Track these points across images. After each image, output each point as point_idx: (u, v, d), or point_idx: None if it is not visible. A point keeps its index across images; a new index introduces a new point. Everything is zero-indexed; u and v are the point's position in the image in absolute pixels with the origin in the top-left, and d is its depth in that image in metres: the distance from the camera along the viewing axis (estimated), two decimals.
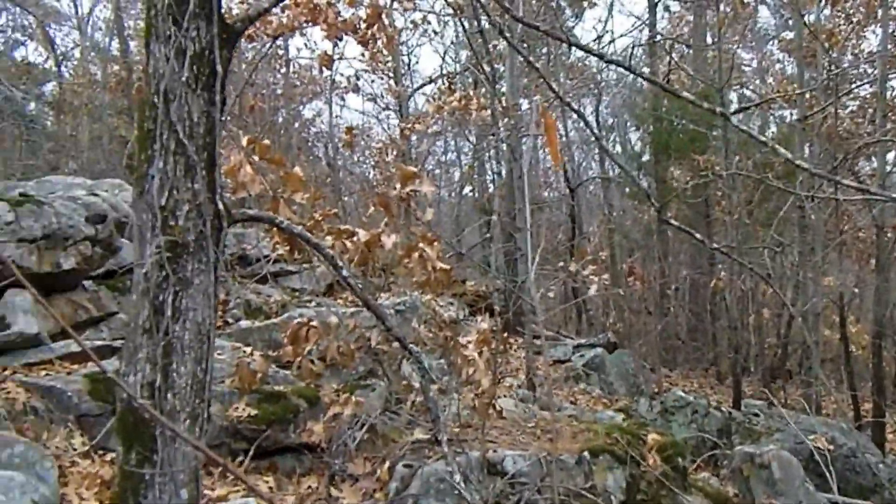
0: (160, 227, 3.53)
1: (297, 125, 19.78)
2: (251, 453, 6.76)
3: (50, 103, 20.22)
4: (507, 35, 6.86)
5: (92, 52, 20.25)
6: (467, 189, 25.38)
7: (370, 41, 9.52)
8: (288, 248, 5.84)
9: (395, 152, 18.26)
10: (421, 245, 6.17)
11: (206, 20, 3.59)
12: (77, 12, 21.82)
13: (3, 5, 25.54)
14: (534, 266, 6.66)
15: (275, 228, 4.67)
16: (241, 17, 3.80)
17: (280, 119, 18.40)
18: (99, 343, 7.62)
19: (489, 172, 22.94)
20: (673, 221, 7.08)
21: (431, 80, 20.89)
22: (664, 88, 6.51)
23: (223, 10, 3.71)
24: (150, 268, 3.56)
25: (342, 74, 16.92)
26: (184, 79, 3.52)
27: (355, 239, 6.06)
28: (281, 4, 4.12)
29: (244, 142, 5.41)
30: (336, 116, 22.26)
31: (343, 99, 19.95)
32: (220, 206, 3.66)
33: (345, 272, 4.02)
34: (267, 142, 5.53)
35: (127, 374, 3.70)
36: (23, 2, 23.08)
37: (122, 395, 3.77)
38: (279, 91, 18.31)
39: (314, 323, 7.14)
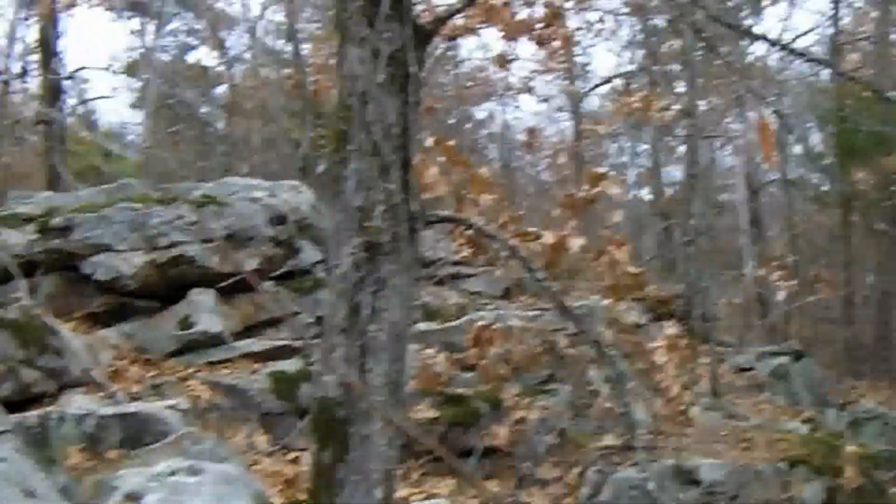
0: (356, 228, 3.62)
1: (468, 126, 19.91)
2: (430, 456, 6.85)
3: (222, 106, 20.77)
4: (698, 33, 6.80)
5: (263, 55, 20.71)
6: (644, 191, 25.14)
7: (547, 41, 9.54)
8: (471, 250, 5.92)
9: (569, 154, 18.22)
10: (610, 248, 6.16)
11: (398, 21, 3.67)
12: (248, 16, 22.32)
13: (175, 10, 26.40)
14: (714, 271, 6.60)
15: (457, 231, 4.75)
16: (434, 17, 3.88)
17: (452, 120, 18.52)
18: (279, 343, 7.83)
19: (666, 175, 22.68)
20: None
21: (607, 81, 20.74)
22: (866, 85, 6.37)
23: (415, 12, 3.79)
24: (348, 268, 3.65)
25: (515, 75, 16.93)
26: (379, 80, 3.61)
27: (541, 241, 6.08)
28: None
29: (430, 142, 5.50)
30: (509, 118, 22.32)
31: (516, 100, 19.96)
32: (415, 208, 3.73)
33: (539, 275, 4.05)
34: (452, 143, 5.61)
35: (322, 373, 3.80)
36: (195, 6, 23.80)
37: (317, 394, 3.87)
38: (450, 92, 18.42)
39: (497, 326, 7.21)
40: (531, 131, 15.41)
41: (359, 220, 3.64)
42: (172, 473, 4.03)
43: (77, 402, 6.17)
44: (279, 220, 8.14)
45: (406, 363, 3.91)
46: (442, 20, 3.94)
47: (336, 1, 3.74)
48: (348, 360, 3.72)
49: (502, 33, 9.59)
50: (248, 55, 21.46)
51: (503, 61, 11.75)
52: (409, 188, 3.71)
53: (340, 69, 3.71)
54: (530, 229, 6.35)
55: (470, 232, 6.11)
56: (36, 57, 12.20)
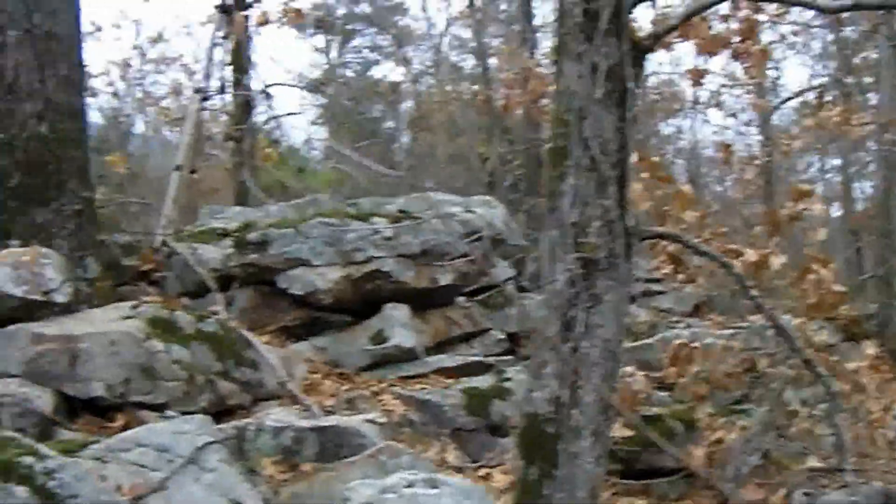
0: (572, 244, 3.67)
1: (654, 141, 19.77)
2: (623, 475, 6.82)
3: (407, 121, 21.08)
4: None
5: (448, 71, 20.98)
6: (834, 208, 24.51)
7: (742, 55, 9.44)
8: (672, 266, 5.91)
9: (758, 169, 17.89)
10: (814, 266, 6.08)
11: (616, 37, 3.71)
12: (432, 31, 22.65)
13: (359, 27, 26.94)
14: None
15: (658, 247, 4.75)
16: (650, 33, 3.91)
17: (639, 136, 18.41)
18: (472, 359, 7.90)
19: (858, 190, 22.06)
20: None
21: (799, 94, 20.31)
22: None
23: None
24: (562, 284, 3.70)
25: (705, 89, 16.71)
26: (596, 96, 3.65)
27: (743, 259, 6.03)
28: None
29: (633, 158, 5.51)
30: (697, 133, 22.05)
31: (704, 114, 19.69)
32: (631, 224, 3.76)
33: (753, 292, 4.04)
34: (656, 158, 5.62)
35: (533, 388, 3.86)
36: (380, 22, 24.27)
37: (525, 410, 3.93)
38: (637, 107, 18.27)
39: (695, 344, 7.16)
40: (726, 147, 15.16)
41: (574, 236, 3.68)
42: (410, 485, 4.08)
43: (273, 415, 6.30)
44: (474, 235, 8.22)
45: (616, 381, 3.93)
46: (659, 36, 3.97)
47: (555, 17, 3.79)
48: (559, 376, 3.77)
49: (698, 48, 9.52)
50: (433, 70, 21.78)
51: (698, 75, 11.62)
52: (625, 204, 3.74)
53: (557, 85, 3.77)
54: (732, 246, 6.31)
55: (671, 249, 6.11)
56: (227, 74, 12.55)
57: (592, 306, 3.72)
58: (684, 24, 4.46)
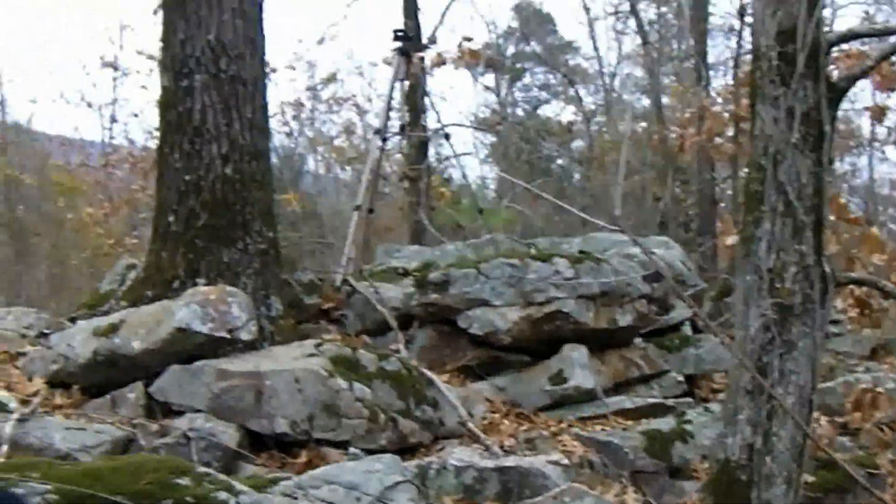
0: (767, 290, 3.65)
1: (829, 179, 19.38)
2: None
3: (579, 160, 21.12)
4: None
5: (621, 110, 20.95)
6: None
7: None
8: (859, 311, 5.80)
9: None
10: None
11: (812, 80, 3.68)
12: (603, 70, 22.68)
13: (529, 65, 27.11)
14: None
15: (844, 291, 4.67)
16: (846, 75, 3.87)
17: None
18: (651, 400, 7.84)
19: None
20: None
21: None
22: None
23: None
24: (756, 330, 3.67)
25: (884, 126, 16.37)
26: (792, 140, 3.63)
27: None
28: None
29: None
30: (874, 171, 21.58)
31: (883, 152, 19.28)
32: (826, 269, 3.72)
33: None
34: (842, 200, 5.54)
35: (725, 434, 3.83)
36: (551, 61, 24.38)
37: (719, 456, 3.90)
38: None
39: (879, 389, 7.01)
40: None
41: (770, 281, 3.66)
42: None
43: (455, 454, 6.35)
44: (654, 276, 8.17)
45: (809, 428, 3.88)
46: (855, 77, 3.92)
47: (751, 61, 3.79)
48: (753, 423, 3.74)
49: (877, 84, 9.35)
50: (604, 109, 21.79)
51: (879, 113, 11.39)
52: (821, 250, 3.71)
53: (752, 129, 3.76)
54: None
55: (859, 293, 6.01)
56: (403, 115, 12.78)
57: (787, 352, 3.69)
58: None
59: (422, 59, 12.73)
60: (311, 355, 6.46)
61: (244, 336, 6.44)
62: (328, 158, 21.13)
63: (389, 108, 9.47)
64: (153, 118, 21.89)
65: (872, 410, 6.95)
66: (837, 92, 3.77)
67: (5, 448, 5.48)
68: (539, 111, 28.32)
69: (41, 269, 18.69)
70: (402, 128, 10.50)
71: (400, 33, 9.58)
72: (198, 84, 7.44)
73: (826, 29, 3.98)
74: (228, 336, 6.34)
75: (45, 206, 21.06)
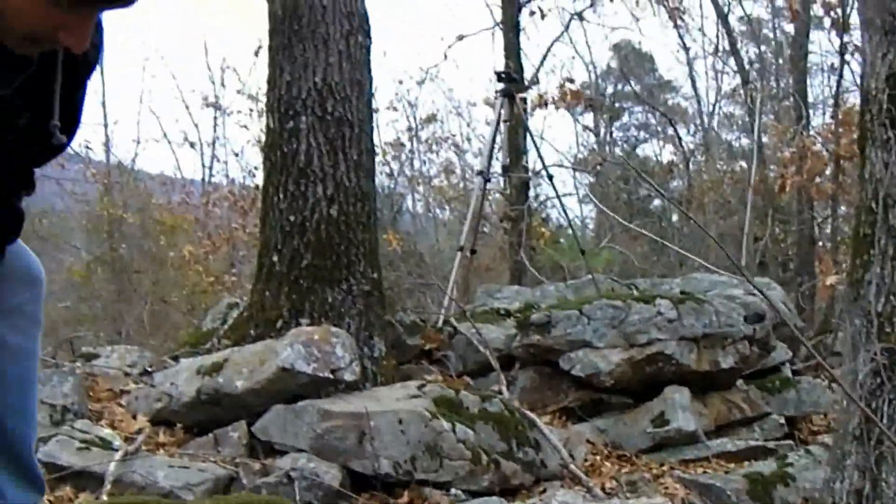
0: (876, 334, 3.63)
1: None
2: None
3: (678, 200, 21.03)
4: None
5: (720, 149, 20.87)
6: None
7: None
8: None
9: None
10: None
11: None
12: (703, 109, 22.61)
13: (627, 104, 27.11)
14: None
15: None
16: None
17: None
18: (753, 443, 7.78)
19: None
20: None
21: None
22: None
23: None
24: (864, 375, 3.66)
25: None
26: None
27: None
28: None
29: None
30: None
31: None
32: None
33: None
34: None
35: (833, 479, 3.82)
36: (650, 101, 24.34)
37: (826, 501, 3.89)
38: None
39: None
40: None
41: (879, 325, 3.64)
42: None
43: (558, 496, 6.36)
44: (757, 318, 8.13)
45: None
46: None
47: (860, 104, 3.79)
48: (862, 468, 3.72)
49: None
50: (703, 149, 21.70)
51: None
52: None
53: (862, 172, 3.76)
54: None
55: None
56: (504, 156, 12.87)
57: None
58: None
59: (524, 100, 12.81)
60: (414, 396, 6.54)
61: (347, 376, 6.52)
62: (427, 198, 21.30)
63: (492, 150, 9.54)
64: (253, 157, 22.31)
65: None
66: None
67: (109, 486, 5.62)
68: (638, 150, 28.32)
69: (142, 307, 18.99)
70: (505, 169, 10.57)
71: (503, 75, 9.68)
72: (304, 126, 7.57)
73: None
74: (332, 376, 6.42)
75: (146, 245, 21.43)
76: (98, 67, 2.65)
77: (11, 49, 2.24)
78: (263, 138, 8.36)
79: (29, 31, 2.16)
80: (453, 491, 6.14)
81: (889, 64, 3.71)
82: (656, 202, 23.10)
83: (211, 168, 24.54)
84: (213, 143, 24.48)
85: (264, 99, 8.34)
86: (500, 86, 9.55)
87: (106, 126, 23.37)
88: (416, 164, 21.77)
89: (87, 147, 22.45)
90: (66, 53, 2.37)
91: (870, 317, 3.63)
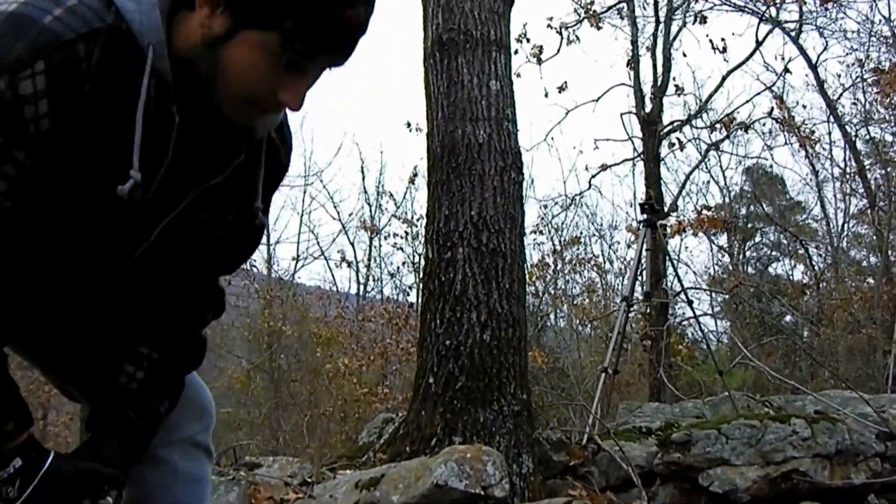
0: None
1: None
2: None
3: (810, 318, 20.84)
4: None
5: (849, 266, 20.69)
6: None
7: None
8: None
9: None
10: None
11: None
12: (831, 230, 22.49)
13: (759, 225, 27.02)
14: None
15: None
16: None
17: None
18: None
19: None
20: None
21: None
22: None
23: None
24: None
25: None
26: None
27: None
28: None
29: None
30: None
31: None
32: None
33: None
34: None
35: None
36: (781, 222, 24.25)
37: None
38: None
39: None
40: None
41: None
42: None
43: None
44: (888, 435, 8.10)
45: None
46: None
47: None
48: None
49: None
50: (832, 267, 21.52)
51: None
52: None
53: None
54: None
55: None
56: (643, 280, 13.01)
57: None
58: None
59: (664, 227, 13.01)
60: None
61: (498, 493, 6.60)
62: (571, 315, 21.44)
63: (636, 276, 9.72)
64: (407, 276, 22.82)
65: None
66: None
67: None
68: (770, 269, 28.15)
69: (299, 415, 19.38)
70: (647, 295, 10.70)
71: (646, 206, 9.85)
72: (460, 256, 7.83)
73: None
74: (483, 493, 6.51)
75: (303, 356, 21.89)
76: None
77: (231, 124, 2.33)
78: (420, 262, 8.66)
79: (248, 91, 2.22)
80: None
81: None
82: (787, 318, 22.90)
83: (366, 285, 25.08)
84: (369, 261, 25.05)
85: (418, 223, 8.65)
86: (643, 216, 9.73)
87: (269, 245, 24.16)
88: (560, 283, 22.03)
89: (252, 264, 23.26)
90: (268, 153, 2.50)
91: None
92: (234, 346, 23.70)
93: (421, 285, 8.38)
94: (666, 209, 16.98)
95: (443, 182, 8.15)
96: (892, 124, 20.72)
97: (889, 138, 21.69)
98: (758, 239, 28.31)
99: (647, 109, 17.12)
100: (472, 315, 7.73)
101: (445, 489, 6.43)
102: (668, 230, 14.69)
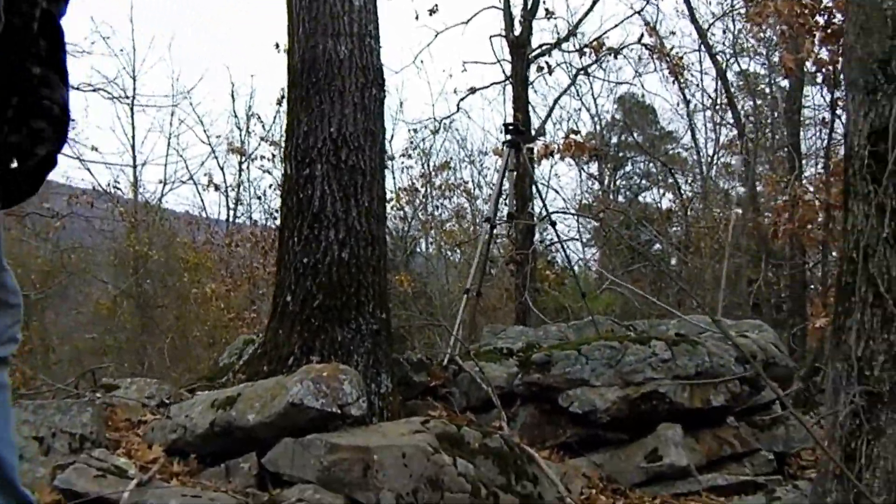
0: (856, 377, 3.63)
1: None
2: None
3: (677, 246, 21.06)
4: None
5: (716, 197, 20.92)
6: None
7: None
8: None
9: None
10: None
11: None
12: (701, 159, 22.70)
13: (630, 154, 27.21)
14: None
15: None
16: None
17: None
18: (743, 478, 7.76)
19: None
20: None
21: None
22: None
23: None
24: (844, 416, 3.65)
25: None
26: (883, 235, 3.62)
27: None
28: None
29: None
30: None
31: None
32: None
33: None
34: None
35: None
36: (652, 152, 24.42)
37: None
38: None
39: None
40: None
41: (859, 369, 3.64)
42: None
43: None
44: (747, 359, 8.12)
45: None
46: None
47: (843, 159, 3.80)
48: None
49: None
50: (701, 196, 21.76)
51: None
52: None
53: (845, 224, 3.76)
54: None
55: None
56: (508, 203, 12.89)
57: (875, 439, 3.64)
58: None
59: (531, 150, 12.86)
60: (418, 431, 6.51)
61: (354, 412, 6.49)
62: (439, 241, 21.37)
63: (499, 198, 9.54)
64: (275, 200, 22.42)
65: None
66: None
67: None
68: (640, 198, 28.42)
69: (164, 340, 19.02)
70: (511, 216, 10.56)
71: (511, 126, 9.67)
72: (318, 173, 7.61)
73: None
74: (339, 412, 6.40)
75: (170, 281, 21.51)
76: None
77: None
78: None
79: None
80: None
81: (870, 122, 3.72)
82: (656, 247, 23.14)
83: (235, 210, 24.66)
84: (238, 186, 24.60)
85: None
86: (507, 137, 9.55)
87: (135, 167, 23.51)
88: (430, 208, 21.91)
89: (116, 187, 22.62)
90: None
91: (850, 361, 3.62)
92: (99, 271, 23.17)
93: (280, 204, 8.07)
94: (534, 133, 16.84)
95: (302, 98, 7.89)
96: (763, 56, 20.92)
97: (760, 70, 21.94)
98: (629, 168, 28.56)
99: (517, 33, 16.89)
100: (331, 233, 7.52)
101: (301, 408, 6.29)
102: (535, 153, 14.55)
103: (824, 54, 10.62)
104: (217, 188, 24.42)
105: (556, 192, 23.29)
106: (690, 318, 9.59)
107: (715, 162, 22.65)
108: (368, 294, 7.54)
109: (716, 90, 21.36)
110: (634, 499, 7.37)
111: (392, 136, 22.35)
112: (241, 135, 24.68)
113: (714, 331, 8.47)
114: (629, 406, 7.70)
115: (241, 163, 24.43)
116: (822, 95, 19.19)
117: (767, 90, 21.75)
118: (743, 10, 19.16)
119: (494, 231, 9.77)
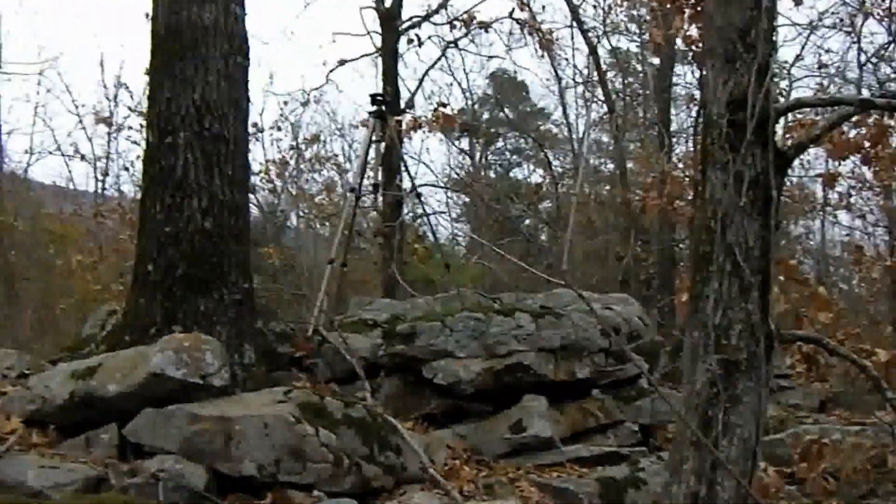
0: (713, 346, 3.62)
1: (783, 241, 19.55)
2: None
3: (546, 221, 21.21)
4: None
5: (587, 174, 21.11)
6: None
7: (874, 159, 9.36)
8: (806, 366, 5.78)
9: (882, 269, 17.58)
10: None
11: (761, 147, 3.68)
12: (572, 135, 22.87)
13: (502, 130, 27.30)
14: None
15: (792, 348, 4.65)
16: (794, 143, 3.87)
17: None
18: (607, 449, 7.84)
19: None
20: None
21: None
22: None
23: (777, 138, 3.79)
24: (702, 384, 3.64)
25: (837, 192, 16.59)
26: (740, 204, 3.62)
27: (874, 359, 5.91)
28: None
29: None
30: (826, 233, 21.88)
31: (835, 217, 19.54)
32: (772, 327, 3.70)
33: (889, 394, 3.93)
34: (794, 262, 5.55)
35: (671, 483, 3.79)
36: (523, 128, 24.53)
37: (664, 502, 3.86)
38: None
39: (825, 440, 7.03)
40: (858, 249, 14.94)
41: (716, 338, 3.63)
42: None
43: (416, 499, 6.34)
44: (612, 331, 8.18)
45: (755, 479, 3.84)
46: (803, 146, 3.93)
47: (693, 125, 3.78)
48: (698, 473, 3.70)
49: (830, 152, 9.47)
50: (572, 172, 21.96)
51: (832, 180, 11.47)
52: (767, 308, 3.68)
53: (703, 193, 3.75)
54: (864, 346, 6.19)
55: (806, 349, 6.02)
56: (379, 174, 12.77)
57: (732, 406, 3.65)
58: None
59: (398, 122, 12.75)
60: (280, 402, 6.45)
61: (217, 382, 6.42)
62: (309, 214, 21.21)
63: (364, 168, 9.42)
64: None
65: (818, 461, 6.95)
66: (785, 159, 3.76)
67: None
68: (511, 174, 28.56)
69: (29, 313, 18.48)
70: (376, 187, 10.45)
71: (378, 98, 9.57)
72: (181, 141, 7.44)
73: (781, 100, 4.01)
74: (201, 382, 6.33)
75: (36, 253, 20.93)
76: None
77: None
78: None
79: None
80: (315, 493, 6.07)
81: (729, 91, 3.72)
82: (527, 222, 23.27)
83: (103, 181, 24.06)
84: (107, 157, 24.00)
85: None
86: (373, 108, 9.44)
87: None
88: (300, 182, 21.70)
89: None
90: None
91: (707, 329, 3.61)
92: None
93: (143, 172, 7.86)
94: (403, 107, 16.74)
95: (165, 65, 7.71)
96: (636, 35, 21.11)
97: (632, 48, 22.17)
98: (500, 143, 28.65)
99: (388, 4, 16.74)
100: (194, 201, 7.37)
101: (162, 378, 6.22)
102: (403, 126, 14.47)
103: (694, 31, 10.71)
104: (84, 158, 23.81)
105: (426, 165, 23.25)
106: (557, 292, 9.61)
107: (586, 138, 22.89)
108: (231, 264, 7.42)
109: (588, 66, 21.48)
110: (498, 470, 7.38)
111: (263, 109, 22.06)
112: (109, 105, 24.10)
113: (579, 305, 8.49)
114: (494, 378, 7.71)
115: (109, 133, 23.85)
116: (692, 73, 19.49)
117: (639, 67, 22.00)
118: None
119: (361, 202, 9.62)
